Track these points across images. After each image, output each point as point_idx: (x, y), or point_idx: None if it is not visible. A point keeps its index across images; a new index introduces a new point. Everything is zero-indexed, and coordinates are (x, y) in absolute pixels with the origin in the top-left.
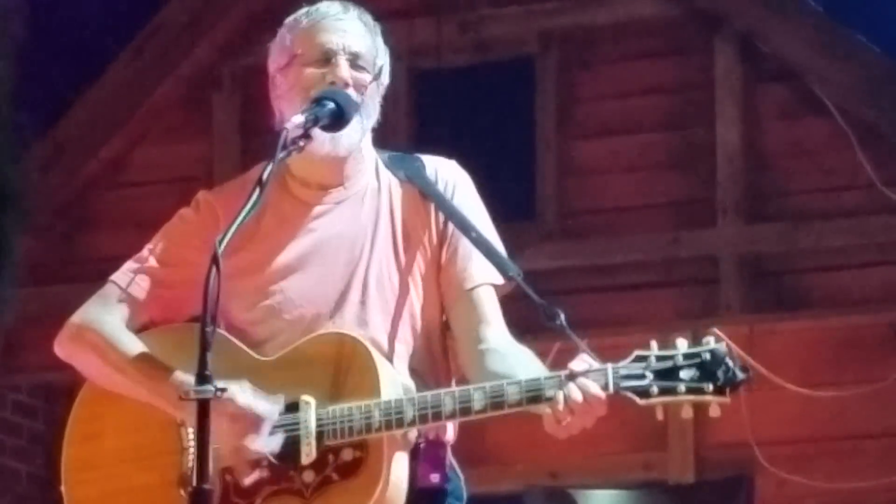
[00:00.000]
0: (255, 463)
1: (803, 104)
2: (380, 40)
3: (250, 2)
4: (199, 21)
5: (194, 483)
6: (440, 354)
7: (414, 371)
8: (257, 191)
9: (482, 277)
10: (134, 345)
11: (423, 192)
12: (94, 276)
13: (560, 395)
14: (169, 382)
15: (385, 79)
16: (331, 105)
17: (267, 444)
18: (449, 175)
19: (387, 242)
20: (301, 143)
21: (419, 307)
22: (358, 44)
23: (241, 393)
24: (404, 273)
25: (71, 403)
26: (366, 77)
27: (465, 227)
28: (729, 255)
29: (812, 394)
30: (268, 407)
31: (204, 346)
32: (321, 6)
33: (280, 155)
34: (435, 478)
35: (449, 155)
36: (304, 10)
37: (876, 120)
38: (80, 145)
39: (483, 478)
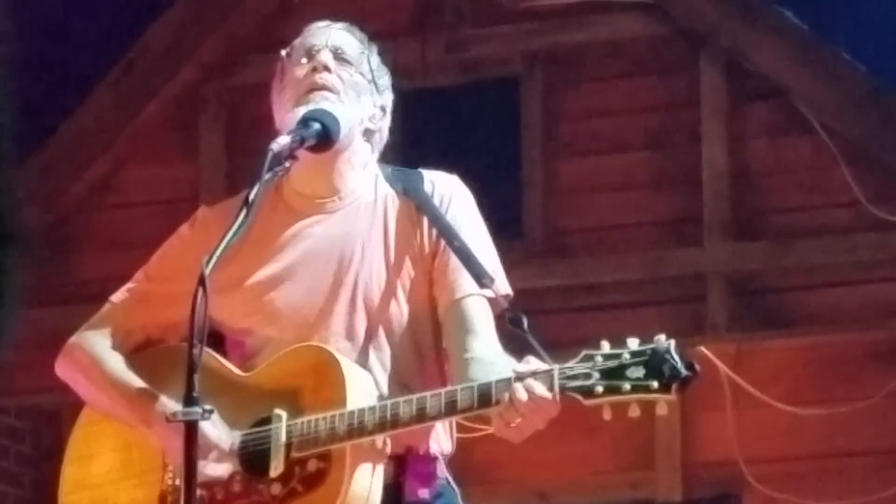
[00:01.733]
0: (228, 480)
1: (789, 122)
2: (373, 51)
3: (235, 22)
4: (183, 42)
5: None
6: (433, 368)
7: (402, 384)
8: (244, 212)
9: (470, 288)
10: (118, 365)
11: (418, 206)
12: (81, 298)
13: (505, 396)
14: (147, 405)
15: (387, 96)
16: (317, 126)
17: (212, 469)
18: (445, 189)
19: (378, 254)
20: (287, 164)
21: (409, 320)
22: (341, 41)
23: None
24: (394, 285)
25: (58, 426)
26: (349, 69)
27: (451, 237)
28: (715, 273)
29: (800, 412)
30: (219, 434)
31: (192, 368)
32: (314, 22)
33: (266, 176)
34: (423, 493)
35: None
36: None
37: (861, 138)
38: (66, 167)
39: (470, 497)
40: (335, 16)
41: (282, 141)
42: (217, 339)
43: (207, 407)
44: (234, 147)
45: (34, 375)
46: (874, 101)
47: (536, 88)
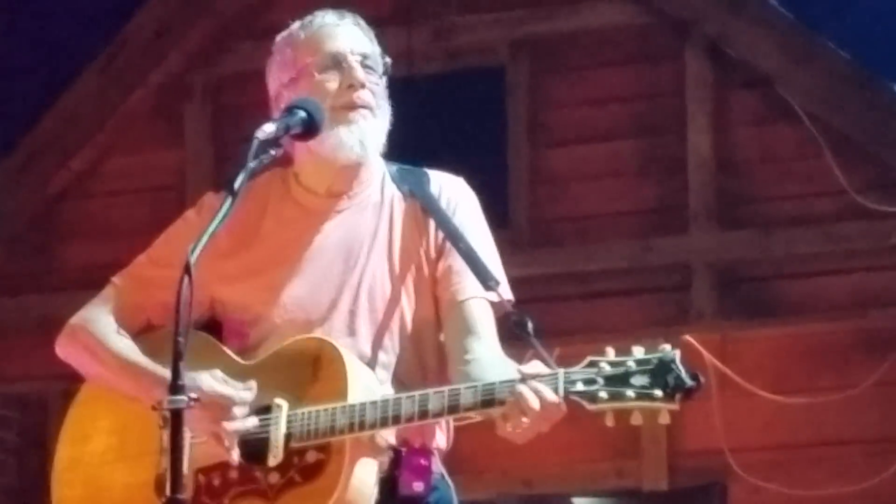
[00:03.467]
0: (226, 463)
1: (774, 111)
2: (378, 48)
3: (220, 11)
4: (169, 30)
5: (168, 492)
6: (434, 368)
7: (402, 382)
8: (228, 201)
9: (474, 291)
10: (123, 344)
11: (425, 208)
12: (67, 286)
13: (508, 397)
14: (156, 380)
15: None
16: (301, 113)
17: (241, 424)
18: (452, 192)
19: (382, 254)
20: (272, 153)
21: (411, 320)
22: (363, 45)
23: (208, 380)
24: (397, 285)
25: (44, 415)
26: (375, 78)
27: (457, 239)
28: (701, 262)
29: (785, 400)
30: (234, 390)
31: (177, 356)
32: (315, 17)
33: (251, 164)
34: (418, 486)
35: (420, 163)
36: (297, 24)
37: (846, 126)
38: (52, 155)
39: (456, 486)
40: (322, 5)
41: (267, 129)
42: (214, 329)
43: (193, 395)
44: (219, 135)
45: (20, 363)
46: (859, 90)
47: (522, 77)
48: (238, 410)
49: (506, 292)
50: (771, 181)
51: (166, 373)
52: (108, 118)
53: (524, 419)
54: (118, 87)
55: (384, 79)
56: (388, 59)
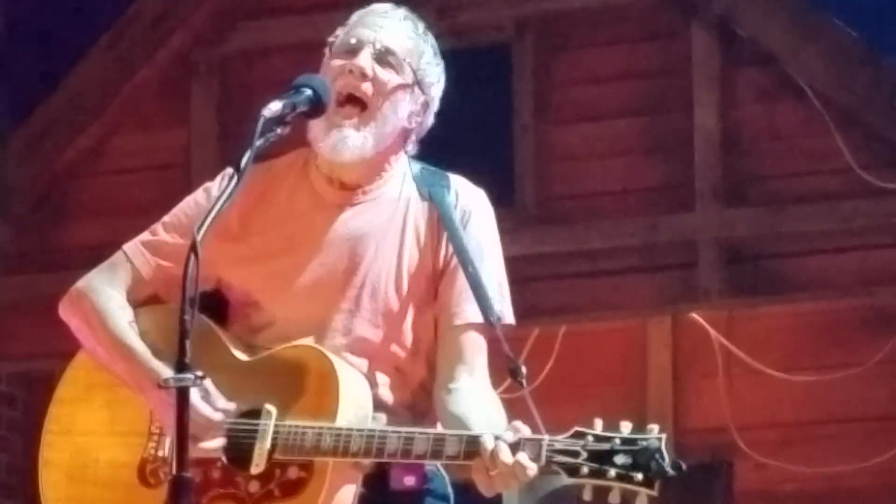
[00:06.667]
0: (210, 461)
1: (781, 88)
2: (428, 51)
3: None
4: (175, 9)
5: (174, 471)
6: (429, 378)
7: (403, 389)
8: (234, 179)
9: (472, 317)
10: (122, 322)
11: (440, 217)
12: (73, 264)
13: (488, 453)
14: (143, 368)
15: (434, 90)
16: (308, 92)
17: (208, 447)
18: (468, 203)
19: (391, 256)
20: (279, 131)
21: (413, 326)
22: (392, 41)
23: (195, 392)
24: (402, 288)
25: (50, 393)
26: (391, 76)
27: (465, 262)
28: (707, 239)
29: (791, 378)
30: (212, 411)
31: (183, 334)
32: (374, 4)
33: (257, 143)
34: (409, 480)
35: (426, 140)
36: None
37: (853, 104)
38: (58, 134)
39: (461, 475)
40: None
41: (273, 107)
42: (220, 303)
43: (199, 373)
44: (225, 113)
45: (26, 341)
46: (866, 67)
47: (528, 55)
48: (209, 433)
49: (507, 318)
50: (777, 159)
51: (157, 365)
52: (114, 97)
53: (492, 473)
54: (124, 66)
55: (421, 92)
56: (424, 71)
